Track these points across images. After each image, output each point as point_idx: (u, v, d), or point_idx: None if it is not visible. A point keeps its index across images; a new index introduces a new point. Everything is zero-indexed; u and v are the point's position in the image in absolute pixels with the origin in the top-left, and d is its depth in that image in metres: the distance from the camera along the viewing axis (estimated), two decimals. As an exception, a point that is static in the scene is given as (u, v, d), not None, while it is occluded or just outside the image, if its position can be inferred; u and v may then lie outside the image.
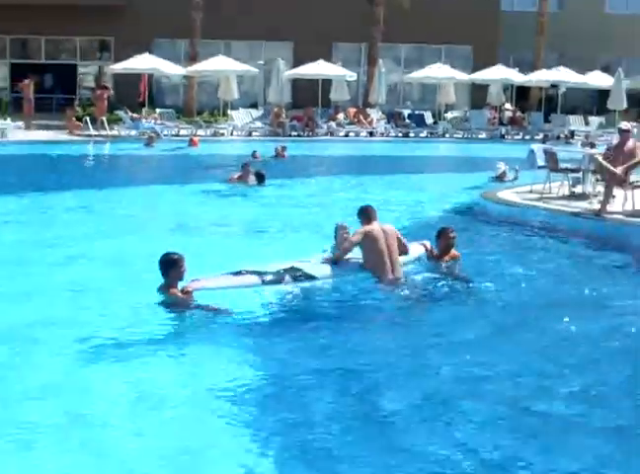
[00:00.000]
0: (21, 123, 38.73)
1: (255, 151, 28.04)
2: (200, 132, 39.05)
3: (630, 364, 9.12)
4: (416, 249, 12.35)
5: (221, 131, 40.53)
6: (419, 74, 46.27)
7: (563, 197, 19.82)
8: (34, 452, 6.60)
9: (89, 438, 6.89)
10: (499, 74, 45.63)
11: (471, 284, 11.69)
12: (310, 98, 44.34)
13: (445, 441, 6.92)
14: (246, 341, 9.49)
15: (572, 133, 41.46)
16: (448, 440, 6.94)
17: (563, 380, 8.47)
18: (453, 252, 12.29)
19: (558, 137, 40.18)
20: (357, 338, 9.74)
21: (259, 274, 10.80)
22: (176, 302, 9.85)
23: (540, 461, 6.61)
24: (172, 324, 9.74)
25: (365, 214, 11.63)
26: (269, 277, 10.80)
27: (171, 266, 9.86)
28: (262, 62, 46.07)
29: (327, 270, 11.35)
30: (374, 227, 11.35)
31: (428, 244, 12.45)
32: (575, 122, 43.90)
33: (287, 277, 10.92)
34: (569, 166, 20.96)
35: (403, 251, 11.69)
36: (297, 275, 11.00)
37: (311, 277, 11.10)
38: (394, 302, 10.97)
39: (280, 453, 6.78)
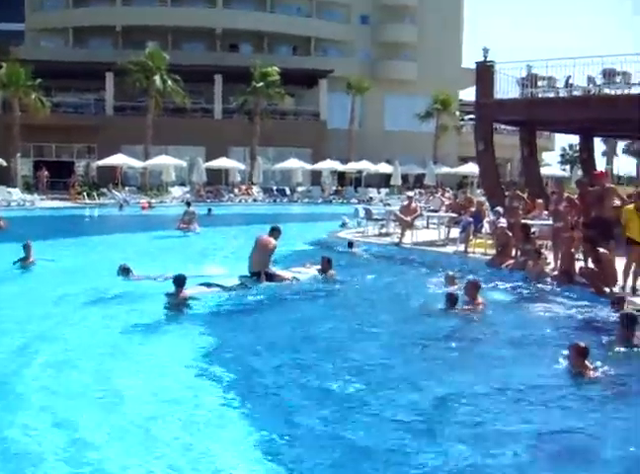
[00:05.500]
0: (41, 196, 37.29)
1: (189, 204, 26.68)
2: (153, 200, 38.23)
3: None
4: (314, 269, 12.48)
5: (165, 200, 39.69)
6: (281, 165, 46.63)
7: (376, 235, 20.23)
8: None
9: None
10: (328, 165, 46.48)
11: (337, 286, 11.88)
12: (217, 179, 44.48)
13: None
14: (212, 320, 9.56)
15: (370, 198, 42.28)
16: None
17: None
18: (331, 271, 12.25)
19: (363, 201, 40.90)
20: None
21: (217, 286, 10.95)
22: (179, 302, 9.73)
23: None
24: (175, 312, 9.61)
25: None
26: (220, 288, 10.92)
27: (183, 281, 9.81)
28: (188, 158, 45.29)
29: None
30: None
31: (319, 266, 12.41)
32: (372, 192, 44.78)
33: (234, 286, 11.08)
34: (378, 217, 21.41)
35: None
36: (233, 286, 11.11)
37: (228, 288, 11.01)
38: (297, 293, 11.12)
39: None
